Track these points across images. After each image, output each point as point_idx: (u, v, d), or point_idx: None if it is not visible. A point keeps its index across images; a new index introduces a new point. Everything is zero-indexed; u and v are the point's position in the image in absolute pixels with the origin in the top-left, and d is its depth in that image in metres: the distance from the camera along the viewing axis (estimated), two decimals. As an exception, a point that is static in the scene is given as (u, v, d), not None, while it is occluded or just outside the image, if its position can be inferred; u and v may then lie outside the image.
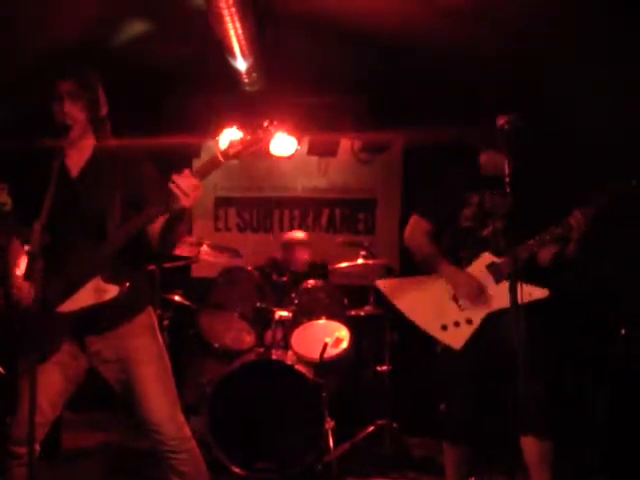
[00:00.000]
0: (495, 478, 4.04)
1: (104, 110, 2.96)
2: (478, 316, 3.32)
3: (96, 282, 2.74)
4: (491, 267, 3.34)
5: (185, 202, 2.61)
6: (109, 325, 2.85)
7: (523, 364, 2.99)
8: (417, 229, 3.59)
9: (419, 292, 3.47)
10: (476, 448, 3.48)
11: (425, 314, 3.42)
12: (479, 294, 3.32)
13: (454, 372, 3.42)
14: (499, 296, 3.27)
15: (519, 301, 3.04)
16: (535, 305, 3.15)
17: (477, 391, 3.36)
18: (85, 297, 2.73)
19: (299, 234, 5.87)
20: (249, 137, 2.69)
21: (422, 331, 3.40)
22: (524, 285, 3.13)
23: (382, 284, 3.61)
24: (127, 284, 2.76)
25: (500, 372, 3.27)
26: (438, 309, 3.39)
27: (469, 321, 3.33)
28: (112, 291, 2.74)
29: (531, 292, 3.14)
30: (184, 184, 2.60)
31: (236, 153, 2.68)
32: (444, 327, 3.35)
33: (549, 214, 3.20)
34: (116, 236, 2.74)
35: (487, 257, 3.35)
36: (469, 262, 3.39)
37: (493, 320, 3.31)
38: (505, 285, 3.26)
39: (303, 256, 5.69)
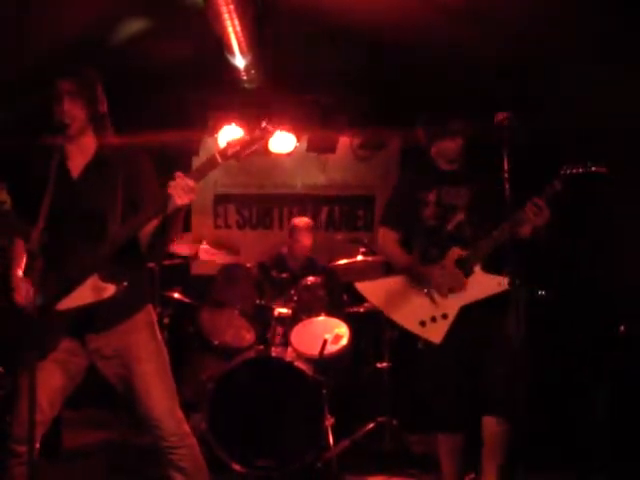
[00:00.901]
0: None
1: (103, 107, 2.96)
2: (453, 310, 3.41)
3: (94, 280, 2.74)
4: (459, 261, 3.43)
5: (179, 201, 2.62)
6: (108, 323, 2.86)
7: (498, 350, 3.23)
8: (386, 239, 3.71)
9: (396, 291, 3.59)
10: (469, 438, 3.53)
11: (403, 312, 3.54)
12: (456, 284, 3.41)
13: (438, 365, 3.51)
14: (470, 288, 3.40)
15: (489, 292, 3.27)
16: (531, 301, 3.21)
17: (461, 381, 3.43)
18: (83, 295, 2.74)
19: (304, 219, 5.93)
20: (247, 137, 2.70)
21: (403, 329, 3.53)
22: (495, 276, 3.32)
23: (361, 286, 3.73)
24: (125, 283, 2.76)
25: (477, 365, 3.40)
26: (415, 306, 3.50)
27: (444, 315, 3.42)
28: (110, 290, 2.74)
29: (501, 282, 3.27)
30: (178, 185, 2.60)
31: (234, 153, 2.68)
32: (422, 323, 3.46)
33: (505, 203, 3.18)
34: (115, 236, 2.75)
35: (455, 251, 3.44)
36: (439, 259, 3.48)
37: (468, 313, 3.39)
38: (475, 277, 3.40)
39: (307, 241, 5.72)
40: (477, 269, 3.39)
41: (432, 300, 3.46)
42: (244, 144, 2.69)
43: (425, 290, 3.48)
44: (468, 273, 3.40)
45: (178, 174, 2.64)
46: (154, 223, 2.77)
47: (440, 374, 3.51)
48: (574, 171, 3.23)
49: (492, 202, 3.17)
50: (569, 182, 3.24)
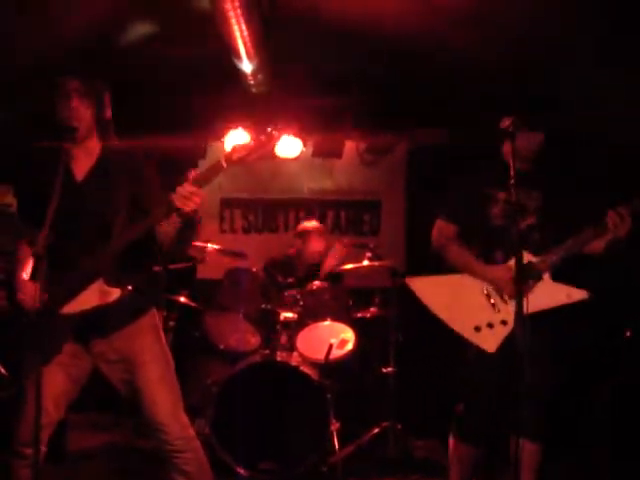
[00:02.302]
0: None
1: (109, 113, 2.96)
2: (513, 317, 3.08)
3: (100, 284, 2.75)
4: (527, 266, 3.17)
5: (184, 207, 2.63)
6: (113, 327, 2.86)
7: (525, 366, 2.90)
8: (443, 233, 3.44)
9: (451, 292, 3.33)
10: (489, 450, 3.45)
11: (457, 315, 3.27)
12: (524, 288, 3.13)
13: (484, 375, 3.29)
14: (537, 296, 3.13)
15: (556, 303, 3.04)
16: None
17: (501, 395, 3.22)
18: (88, 299, 2.74)
19: (314, 223, 5.81)
20: (252, 142, 2.69)
21: (454, 332, 3.26)
22: (564, 286, 3.12)
23: (412, 282, 3.42)
24: (130, 286, 2.77)
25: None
26: (471, 310, 3.25)
27: (504, 322, 3.18)
28: (115, 293, 2.75)
29: (570, 293, 3.11)
30: (181, 192, 2.61)
31: (240, 158, 2.67)
32: (477, 328, 3.21)
33: (581, 211, 3.13)
34: (120, 238, 2.75)
35: (524, 256, 3.17)
36: (505, 262, 3.26)
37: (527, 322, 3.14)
38: (543, 286, 3.18)
39: (318, 245, 5.61)
40: (546, 277, 3.18)
41: (492, 304, 3.23)
42: (250, 149, 2.68)
43: (485, 292, 3.25)
44: (536, 280, 3.17)
45: (187, 176, 2.64)
46: (172, 228, 2.78)
47: (481, 383, 3.31)
48: None
49: (565, 209, 3.03)
50: None
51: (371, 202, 6.76)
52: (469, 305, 3.27)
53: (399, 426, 4.88)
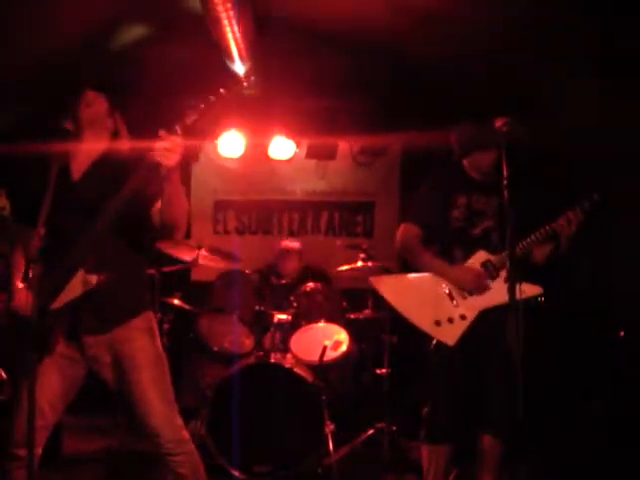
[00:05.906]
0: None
1: (115, 120, 2.99)
2: (472, 312, 3.37)
3: (81, 275, 2.72)
4: (486, 265, 3.41)
5: (166, 162, 2.58)
6: (106, 328, 2.85)
7: (503, 364, 3.09)
8: (408, 235, 3.60)
9: (413, 289, 3.51)
10: (457, 448, 3.52)
11: (418, 310, 3.44)
12: (483, 283, 3.38)
13: (445, 370, 3.44)
14: (494, 293, 3.36)
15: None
16: (531, 307, 3.16)
17: (465, 390, 3.39)
18: (73, 290, 2.72)
19: (292, 243, 5.91)
20: (202, 105, 2.66)
21: (415, 327, 3.41)
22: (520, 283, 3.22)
23: (376, 281, 3.62)
24: (113, 271, 2.75)
25: (481, 374, 3.38)
26: (432, 305, 3.42)
27: (463, 317, 3.37)
28: (96, 277, 2.73)
29: (523, 289, 3.13)
30: (163, 144, 2.58)
31: (193, 123, 2.64)
32: (437, 323, 3.38)
33: (538, 212, 3.32)
34: (104, 214, 2.70)
35: (481, 255, 3.43)
36: (464, 261, 3.45)
37: (486, 317, 3.36)
38: (499, 282, 3.36)
39: (292, 264, 5.76)
40: (502, 274, 3.35)
41: (452, 300, 3.41)
42: (200, 111, 2.65)
43: (446, 289, 3.43)
44: (493, 277, 3.39)
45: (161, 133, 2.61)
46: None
47: (443, 378, 3.45)
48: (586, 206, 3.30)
49: (521, 212, 3.13)
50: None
51: (365, 203, 6.78)
52: (430, 301, 3.44)
53: (394, 428, 4.89)
